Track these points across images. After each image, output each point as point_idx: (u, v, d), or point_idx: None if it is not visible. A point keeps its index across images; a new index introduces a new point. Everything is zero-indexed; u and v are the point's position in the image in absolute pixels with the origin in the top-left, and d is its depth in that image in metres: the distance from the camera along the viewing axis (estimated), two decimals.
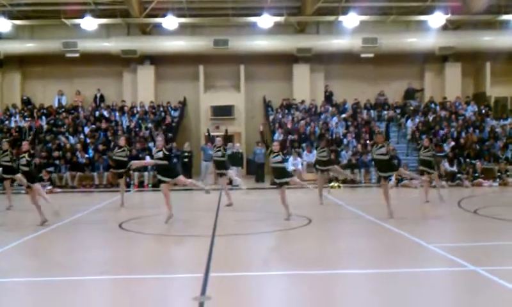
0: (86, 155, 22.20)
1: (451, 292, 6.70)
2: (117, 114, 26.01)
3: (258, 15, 24.83)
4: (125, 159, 14.93)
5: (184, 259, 8.69)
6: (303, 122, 24.85)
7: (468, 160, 22.02)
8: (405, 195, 17.87)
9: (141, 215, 12.95)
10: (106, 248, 9.81)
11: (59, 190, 20.44)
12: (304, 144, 23.45)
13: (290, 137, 23.95)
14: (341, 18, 25.09)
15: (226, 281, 7.07)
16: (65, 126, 24.67)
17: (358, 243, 9.61)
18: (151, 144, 23.14)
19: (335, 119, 25.26)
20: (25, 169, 11.83)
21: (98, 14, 24.92)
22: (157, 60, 27.44)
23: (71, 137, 23.82)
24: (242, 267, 7.88)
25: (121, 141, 15.45)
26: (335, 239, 10.19)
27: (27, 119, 25.54)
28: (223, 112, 26.77)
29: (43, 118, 25.84)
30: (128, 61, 27.15)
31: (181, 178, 11.96)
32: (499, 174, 21.32)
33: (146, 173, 21.43)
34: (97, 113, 25.96)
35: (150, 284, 6.96)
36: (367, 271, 7.50)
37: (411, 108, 26.23)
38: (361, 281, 7.10)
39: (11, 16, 25.03)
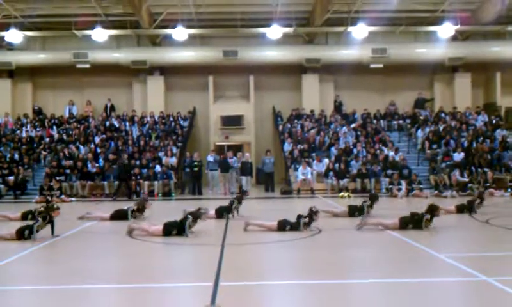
0: (97, 165, 22.33)
1: (462, 303, 6.64)
2: (127, 123, 26.17)
3: (267, 25, 24.96)
4: None
5: (194, 268, 8.68)
6: (312, 132, 24.85)
7: (479, 169, 21.89)
8: (416, 205, 17.74)
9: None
10: (116, 257, 9.83)
11: (74, 199, 20.57)
12: (314, 154, 23.44)
13: (299, 146, 23.95)
14: (350, 28, 25.15)
15: (236, 290, 7.05)
16: (76, 136, 24.86)
17: (368, 252, 9.56)
18: (161, 154, 23.27)
19: (345, 129, 25.24)
20: None
21: (108, 25, 25.18)
22: (167, 71, 27.62)
23: (81, 147, 23.99)
24: (252, 276, 7.85)
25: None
26: (345, 248, 10.13)
27: (38, 129, 25.78)
28: (232, 122, 26.87)
29: (54, 127, 26.11)
30: (138, 71, 27.37)
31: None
32: (510, 183, 21.15)
33: (156, 182, 21.50)
34: (107, 123, 26.15)
35: (160, 293, 6.96)
36: (378, 281, 7.46)
37: (421, 118, 26.17)
38: (372, 291, 7.06)
39: (23, 27, 25.36)
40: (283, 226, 11.64)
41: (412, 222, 11.50)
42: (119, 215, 13.76)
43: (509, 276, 7.36)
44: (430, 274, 7.78)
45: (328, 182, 21.86)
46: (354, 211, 13.93)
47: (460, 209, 14.47)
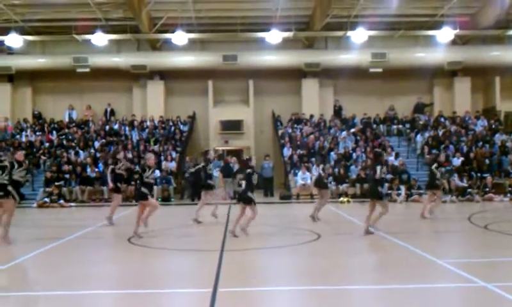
0: (96, 169, 22.31)
1: None
2: (127, 128, 26.17)
3: (267, 30, 24.98)
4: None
5: (193, 274, 8.67)
6: (312, 136, 24.85)
7: (478, 174, 21.88)
8: (415, 210, 17.74)
9: (149, 229, 12.95)
10: (115, 263, 9.81)
11: (73, 204, 20.57)
12: (313, 159, 23.42)
13: (299, 151, 23.94)
14: (349, 33, 25.16)
15: (235, 296, 7.04)
16: (75, 141, 24.85)
17: (367, 258, 9.56)
18: (161, 158, 23.24)
19: (344, 133, 25.23)
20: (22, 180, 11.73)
21: (108, 30, 25.19)
22: (167, 75, 27.64)
23: (81, 152, 23.97)
24: (251, 282, 7.85)
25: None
26: (344, 254, 10.13)
27: (38, 133, 25.77)
28: (231, 126, 26.87)
29: (54, 132, 26.09)
30: (138, 76, 27.39)
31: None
32: (510, 189, 21.15)
33: (155, 187, 21.43)
34: (107, 127, 26.14)
35: (159, 299, 6.96)
36: (377, 287, 7.46)
37: (421, 122, 26.17)
38: (372, 297, 7.05)
39: (23, 32, 25.37)
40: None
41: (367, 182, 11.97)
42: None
43: (508, 282, 7.35)
44: (430, 279, 7.77)
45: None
46: None
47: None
